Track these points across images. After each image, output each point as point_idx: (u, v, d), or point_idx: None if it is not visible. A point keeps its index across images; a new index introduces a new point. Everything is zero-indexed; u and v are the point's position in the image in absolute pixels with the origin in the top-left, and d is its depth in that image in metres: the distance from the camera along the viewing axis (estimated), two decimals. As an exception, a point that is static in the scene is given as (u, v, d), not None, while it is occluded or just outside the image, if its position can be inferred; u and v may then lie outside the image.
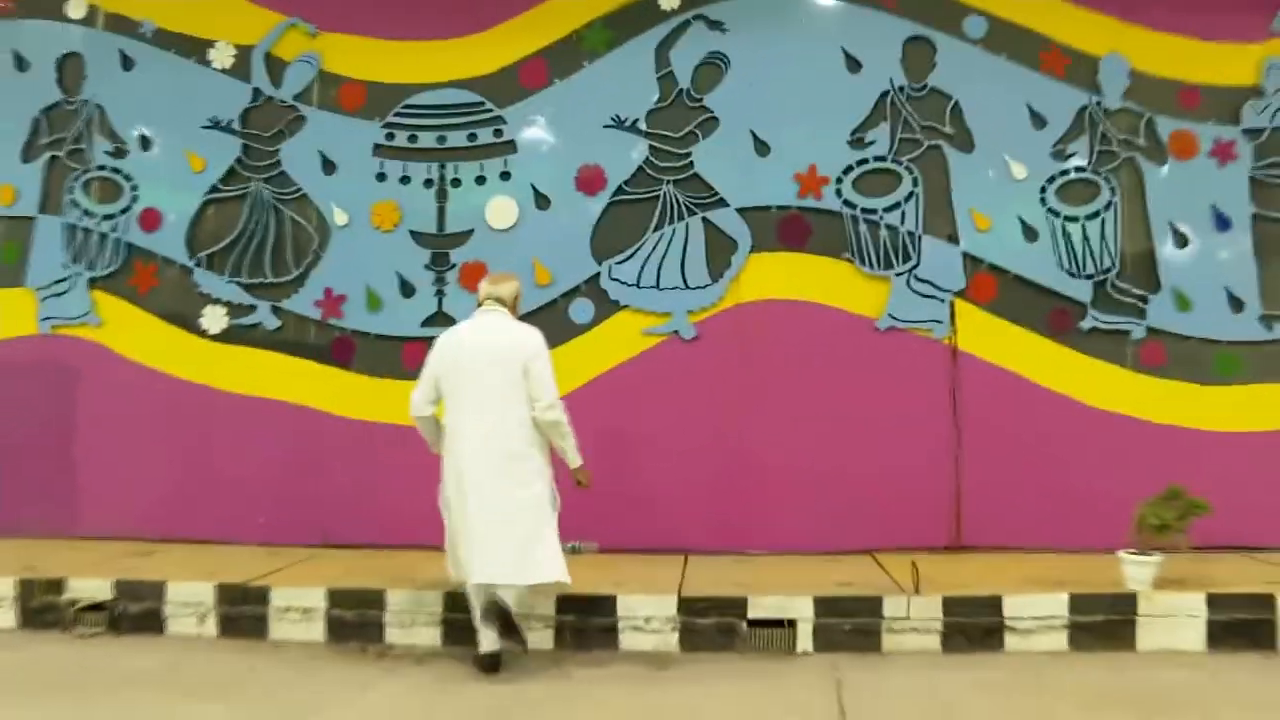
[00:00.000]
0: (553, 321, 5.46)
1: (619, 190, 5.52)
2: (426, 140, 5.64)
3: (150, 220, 5.79)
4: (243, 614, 4.51)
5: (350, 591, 4.49)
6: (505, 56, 5.63)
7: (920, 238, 5.37)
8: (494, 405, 4.03)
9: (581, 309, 5.52)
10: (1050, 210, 5.36)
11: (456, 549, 4.13)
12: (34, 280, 5.86)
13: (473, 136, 5.61)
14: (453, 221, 5.61)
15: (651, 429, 5.46)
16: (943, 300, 5.36)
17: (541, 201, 5.57)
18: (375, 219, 5.63)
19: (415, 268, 5.59)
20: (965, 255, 5.36)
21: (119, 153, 5.84)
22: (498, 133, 5.60)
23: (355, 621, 4.42)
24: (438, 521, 4.21)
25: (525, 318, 4.88)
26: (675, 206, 5.48)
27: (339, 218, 5.66)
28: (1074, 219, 5.36)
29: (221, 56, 5.78)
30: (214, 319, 5.72)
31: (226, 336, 5.72)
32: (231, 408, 5.69)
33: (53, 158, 5.89)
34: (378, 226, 5.63)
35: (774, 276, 5.43)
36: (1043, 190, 5.37)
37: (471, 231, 5.59)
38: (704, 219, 5.47)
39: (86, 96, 5.88)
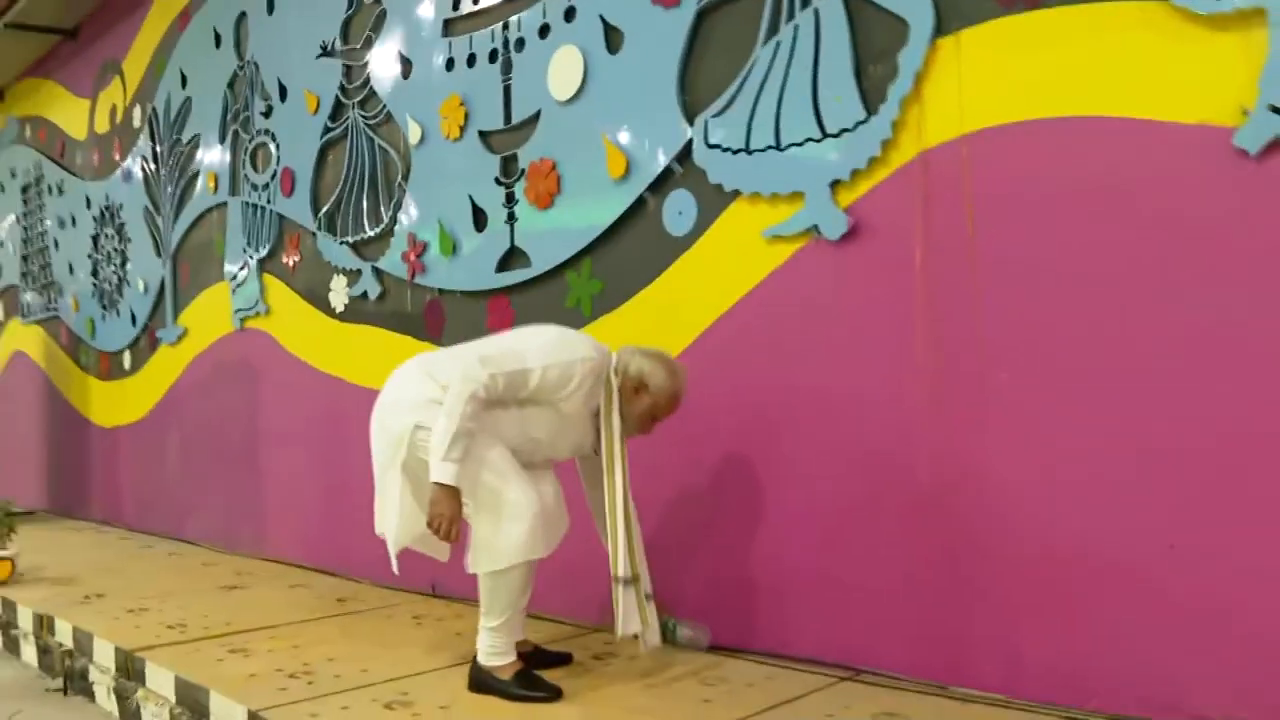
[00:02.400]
0: (643, 237, 3.37)
1: (710, -16, 3.17)
2: (489, -6, 3.92)
3: (286, 183, 5.02)
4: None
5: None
6: None
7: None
8: None
9: (678, 209, 3.27)
10: None
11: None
12: (228, 271, 5.51)
13: (533, -32, 3.74)
14: (519, 104, 3.78)
15: (783, 439, 3.00)
16: None
17: (612, 40, 3.46)
18: (444, 126, 4.07)
19: (486, 185, 3.89)
20: None
21: (268, 111, 5.18)
22: (558, -51, 3.64)
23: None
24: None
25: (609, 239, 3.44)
26: (796, -15, 2.95)
27: (413, 134, 4.22)
28: None
29: (329, -36, 4.79)
30: (338, 293, 4.71)
31: (348, 313, 4.68)
32: (356, 406, 4.60)
33: (235, 133, 5.49)
34: (447, 135, 4.06)
35: (989, 76, 2.55)
36: None
37: (538, 116, 3.71)
38: (844, -8, 2.85)
39: (250, 57, 5.35)
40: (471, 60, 3.95)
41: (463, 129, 3.96)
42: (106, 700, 3.46)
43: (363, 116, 4.51)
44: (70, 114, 7.48)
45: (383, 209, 4.39)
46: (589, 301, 3.53)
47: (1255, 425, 2.16)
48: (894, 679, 2.71)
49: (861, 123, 2.78)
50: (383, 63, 4.40)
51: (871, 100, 2.77)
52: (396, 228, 4.31)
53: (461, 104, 3.97)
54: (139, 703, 3.23)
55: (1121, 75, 2.36)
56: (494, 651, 2.72)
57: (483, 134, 3.90)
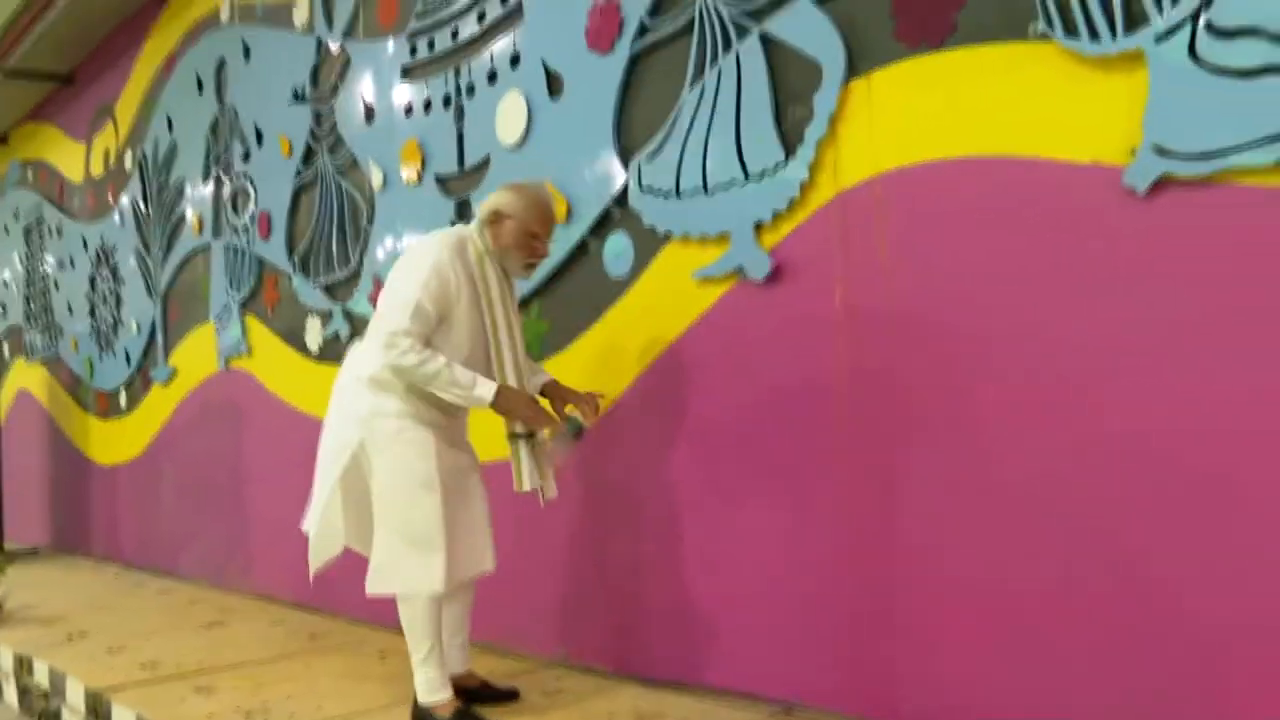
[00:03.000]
0: (585, 278, 3.48)
1: (641, 30, 3.26)
2: (443, 42, 4.02)
3: (264, 225, 5.17)
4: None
5: None
6: (510, -125, 3.76)
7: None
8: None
9: (616, 251, 3.37)
10: None
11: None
12: (213, 312, 5.67)
13: (482, 15, 3.84)
14: (471, 150, 3.89)
15: (718, 475, 3.08)
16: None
17: (553, 86, 3.57)
18: (404, 171, 4.21)
19: (442, 229, 4.01)
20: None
21: (246, 155, 5.34)
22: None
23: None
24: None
25: (556, 282, 3.55)
26: (719, 31, 3.04)
27: (375, 178, 4.36)
28: None
29: (300, 13, 4.92)
30: (313, 333, 4.84)
31: (323, 354, 4.80)
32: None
33: (217, 177, 5.65)
34: (407, 181, 4.20)
35: (898, 117, 2.62)
36: None
37: (488, 161, 3.82)
38: (763, 36, 2.93)
39: (229, 101, 5.52)
40: (428, 105, 4.08)
41: (421, 175, 4.09)
42: (77, 741, 3.59)
43: (331, 161, 4.65)
44: (68, 157, 7.72)
45: (351, 251, 4.53)
46: (537, 342, 3.63)
47: (1186, 425, 2.22)
48: (826, 714, 2.78)
49: (780, 165, 2.87)
50: (348, 109, 4.54)
51: (790, 142, 2.86)
52: (363, 270, 4.43)
53: (419, 148, 4.09)
54: (103, 744, 3.36)
55: (1020, 115, 2.43)
56: (428, 688, 2.81)
57: (439, 178, 4.02)
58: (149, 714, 3.24)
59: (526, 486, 2.84)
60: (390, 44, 4.28)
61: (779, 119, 2.88)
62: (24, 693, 4.22)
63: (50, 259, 8.03)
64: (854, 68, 2.72)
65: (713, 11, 3.02)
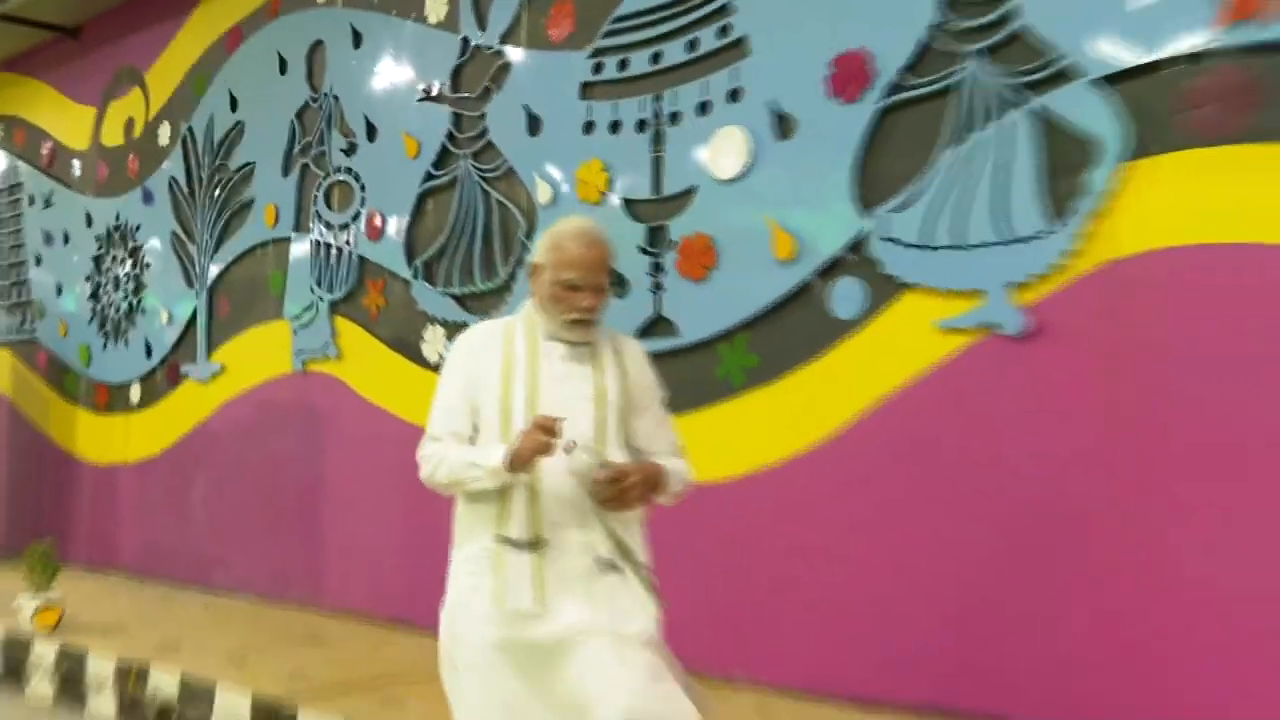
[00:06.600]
0: (805, 317, 4.07)
1: (894, 86, 3.90)
2: (639, 63, 4.59)
3: (374, 227, 5.62)
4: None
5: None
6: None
7: None
8: None
9: (845, 294, 3.98)
10: None
11: None
12: (289, 310, 6.05)
13: (693, 44, 4.42)
14: (671, 178, 4.47)
15: (938, 528, 3.75)
16: None
17: (783, 126, 4.17)
18: (580, 189, 4.74)
19: (629, 253, 4.54)
20: None
21: (351, 149, 5.78)
22: (724, 30, 4.33)
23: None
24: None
25: (769, 317, 4.16)
26: (984, 99, 3.69)
27: (542, 193, 4.88)
28: None
29: (436, 5, 5.41)
30: (433, 343, 5.31)
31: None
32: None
33: (304, 167, 6.05)
34: (584, 199, 4.73)
35: (1178, 201, 3.32)
36: None
37: (693, 190, 4.40)
38: (1035, 111, 3.59)
39: (327, 89, 5.95)
40: (615, 127, 4.62)
41: (604, 195, 4.63)
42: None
43: (476, 168, 5.13)
44: (65, 120, 7.93)
45: (499, 264, 5.02)
46: (741, 374, 4.21)
47: None
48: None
49: (1047, 232, 3.52)
50: (504, 117, 5.05)
51: (1055, 210, 3.50)
52: (514, 282, 4.93)
53: (604, 170, 4.63)
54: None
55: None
56: None
57: (627, 202, 4.57)
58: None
59: (509, 604, 2.48)
60: (568, 57, 4.81)
61: (1047, 187, 3.53)
62: (132, 704, 4.55)
63: (31, 231, 8.18)
64: (1134, 148, 3.39)
65: (980, 78, 3.67)
